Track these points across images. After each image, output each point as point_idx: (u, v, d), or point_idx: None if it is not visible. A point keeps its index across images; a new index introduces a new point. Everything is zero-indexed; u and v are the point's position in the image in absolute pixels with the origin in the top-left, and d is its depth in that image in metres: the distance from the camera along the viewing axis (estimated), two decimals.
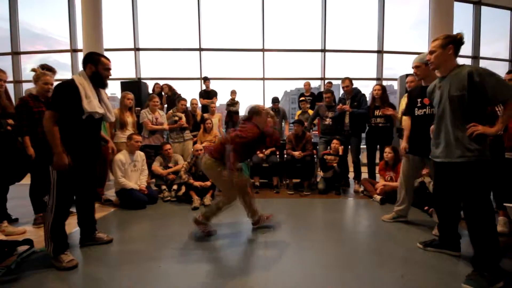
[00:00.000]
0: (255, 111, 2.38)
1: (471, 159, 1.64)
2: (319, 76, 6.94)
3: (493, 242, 1.60)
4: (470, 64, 1.68)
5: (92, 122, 1.97)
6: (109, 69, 2.01)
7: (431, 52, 1.80)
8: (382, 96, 3.76)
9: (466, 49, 7.09)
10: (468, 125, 1.67)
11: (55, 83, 2.11)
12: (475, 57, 7.16)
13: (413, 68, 2.35)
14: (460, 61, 1.80)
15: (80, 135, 1.92)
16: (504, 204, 2.54)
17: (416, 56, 2.37)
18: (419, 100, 2.37)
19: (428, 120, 2.23)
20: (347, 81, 3.98)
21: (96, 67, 1.94)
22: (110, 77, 2.02)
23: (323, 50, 6.84)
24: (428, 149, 1.98)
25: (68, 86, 1.84)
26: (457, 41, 1.74)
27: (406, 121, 2.52)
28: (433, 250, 2.03)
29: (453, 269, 1.79)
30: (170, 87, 5.49)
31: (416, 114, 2.37)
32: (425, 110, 2.33)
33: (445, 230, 1.99)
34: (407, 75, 4.21)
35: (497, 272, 1.58)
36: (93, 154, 2.07)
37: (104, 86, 2.04)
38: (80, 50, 6.35)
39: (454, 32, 2.08)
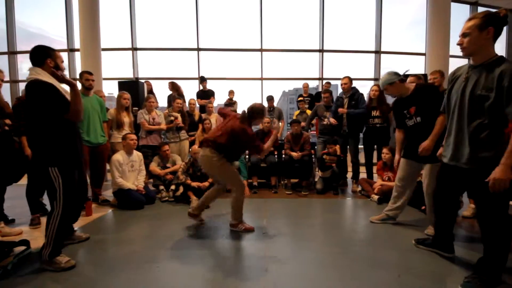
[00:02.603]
0: (257, 113, 2.47)
1: (481, 166, 1.47)
2: (317, 76, 6.96)
3: (504, 251, 1.50)
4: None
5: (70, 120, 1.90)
6: (63, 61, 1.95)
7: (464, 35, 1.48)
8: (379, 96, 3.78)
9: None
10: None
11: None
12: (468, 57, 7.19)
13: (384, 90, 2.36)
14: (457, 61, 1.63)
15: (70, 132, 1.86)
16: None
17: (384, 76, 2.34)
18: (405, 111, 2.30)
19: (420, 127, 2.17)
20: (347, 79, 4.00)
21: (54, 60, 1.83)
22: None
23: (321, 50, 6.86)
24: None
25: (45, 84, 1.72)
26: (500, 21, 1.41)
27: (398, 135, 2.49)
28: (424, 249, 2.03)
29: (448, 270, 1.80)
30: (173, 85, 5.30)
31: (408, 125, 2.31)
32: (413, 120, 2.25)
33: (441, 230, 1.96)
34: (406, 76, 4.24)
35: (497, 279, 1.53)
36: (81, 152, 2.04)
37: (62, 80, 1.95)
38: (77, 50, 6.32)
39: (451, 33, 1.97)
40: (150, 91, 5.31)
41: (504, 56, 1.48)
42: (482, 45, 1.45)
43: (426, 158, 2.15)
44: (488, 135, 1.45)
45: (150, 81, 5.59)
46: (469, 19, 1.47)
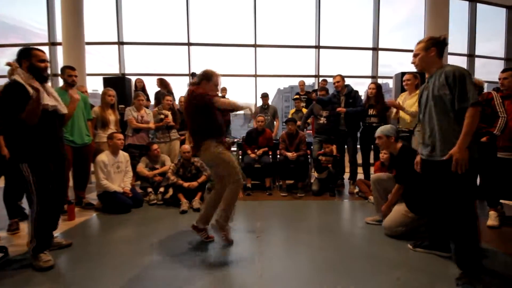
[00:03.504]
0: (206, 76, 2.28)
1: (441, 157, 1.71)
2: (313, 74, 7.00)
3: (473, 244, 1.66)
4: (452, 64, 1.79)
5: (47, 116, 1.96)
6: (44, 60, 2.01)
7: (415, 55, 1.90)
8: (377, 94, 3.82)
9: (461, 47, 7.30)
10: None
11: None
12: (471, 55, 7.36)
13: (377, 138, 2.58)
14: (455, 59, 1.87)
15: (41, 128, 1.92)
16: (501, 200, 2.74)
17: (388, 126, 2.62)
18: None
19: None
20: (339, 77, 4.04)
21: (29, 60, 1.95)
22: (47, 68, 2.03)
23: (317, 47, 6.90)
24: None
25: (13, 84, 1.85)
26: (440, 42, 1.83)
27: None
28: (423, 251, 2.10)
29: (447, 270, 1.83)
30: (161, 82, 5.25)
31: None
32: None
33: (434, 230, 2.06)
34: (403, 73, 4.29)
35: (478, 268, 1.66)
36: (58, 153, 2.04)
37: (45, 79, 2.04)
38: (59, 44, 6.20)
39: (450, 30, 2.22)
40: (142, 89, 5.24)
41: (503, 54, 1.64)
42: (429, 61, 1.85)
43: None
44: (455, 128, 1.70)
45: (140, 77, 5.51)
46: (418, 43, 1.89)
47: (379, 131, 2.58)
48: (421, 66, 1.89)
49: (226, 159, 2.23)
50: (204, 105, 2.18)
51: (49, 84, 2.12)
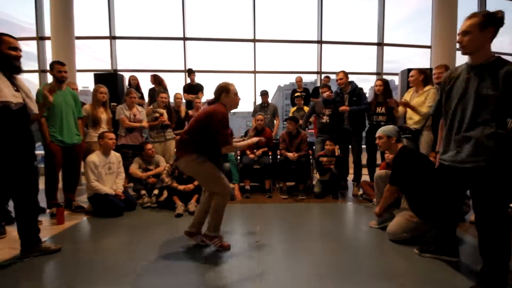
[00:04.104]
0: (223, 88, 2.27)
1: (483, 164, 1.57)
2: (315, 70, 7.00)
3: (505, 257, 1.59)
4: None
5: (10, 115, 1.87)
6: (17, 48, 1.90)
7: (464, 33, 1.59)
8: (384, 91, 3.82)
9: None
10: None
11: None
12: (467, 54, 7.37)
13: (378, 137, 2.58)
14: (460, 55, 1.70)
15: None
16: None
17: (390, 127, 2.62)
18: None
19: None
20: (342, 74, 4.04)
21: None
22: (20, 58, 1.92)
23: (320, 42, 6.91)
24: None
25: None
26: (498, 21, 1.53)
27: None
28: (430, 256, 2.09)
29: (454, 278, 1.84)
30: (154, 78, 5.27)
31: None
32: None
33: (443, 234, 2.03)
34: (409, 70, 4.30)
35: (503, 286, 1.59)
36: (22, 152, 1.98)
37: (16, 70, 1.93)
38: (48, 38, 6.18)
39: (458, 24, 2.10)
40: (136, 87, 5.24)
41: None
42: (482, 44, 1.56)
43: None
44: (491, 134, 1.56)
45: (134, 74, 5.51)
46: (469, 17, 1.57)
47: (380, 131, 2.60)
48: (470, 49, 1.59)
49: (205, 172, 2.22)
50: (214, 133, 2.16)
51: (21, 77, 2.01)
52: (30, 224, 2.12)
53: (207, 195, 2.42)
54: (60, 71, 3.09)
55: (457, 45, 1.67)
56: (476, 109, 1.60)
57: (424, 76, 3.29)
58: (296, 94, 5.30)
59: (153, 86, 5.17)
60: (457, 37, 1.65)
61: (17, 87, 1.94)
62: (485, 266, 1.66)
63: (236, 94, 2.30)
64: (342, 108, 3.94)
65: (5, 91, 1.83)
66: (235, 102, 2.31)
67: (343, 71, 4.06)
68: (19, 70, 1.97)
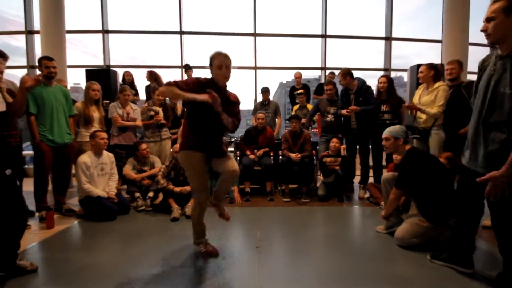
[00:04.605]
0: (209, 61, 2.12)
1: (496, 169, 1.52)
2: (320, 66, 6.99)
3: None
4: None
5: None
6: None
7: (488, 20, 1.53)
8: (389, 88, 3.81)
9: (482, 35, 7.28)
10: None
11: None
12: (494, 46, 7.35)
13: (385, 139, 2.57)
14: (478, 50, 1.70)
15: None
16: None
17: (396, 127, 2.60)
18: None
19: None
20: (340, 76, 3.95)
21: None
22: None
23: (324, 36, 6.90)
24: None
25: None
26: None
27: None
28: (441, 264, 2.07)
29: (466, 286, 1.82)
30: (150, 74, 5.24)
31: None
32: None
33: (460, 241, 1.97)
34: (418, 66, 4.28)
35: None
36: None
37: None
38: (37, 32, 6.19)
39: (471, 17, 2.05)
40: (131, 84, 5.23)
41: None
42: (510, 31, 1.47)
43: None
44: (505, 139, 1.49)
45: (129, 70, 5.51)
46: (494, 2, 1.50)
47: (386, 132, 2.59)
48: (495, 36, 1.52)
49: (185, 165, 2.13)
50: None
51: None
52: (11, 241, 1.97)
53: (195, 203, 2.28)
54: (48, 66, 3.08)
55: (483, 35, 1.60)
56: (490, 108, 1.55)
57: (435, 72, 3.26)
58: (299, 91, 5.29)
59: (149, 83, 5.16)
60: (482, 25, 1.57)
61: None
62: (504, 271, 1.64)
63: (219, 67, 2.05)
64: (351, 108, 3.85)
65: None
66: (218, 76, 2.08)
67: (340, 73, 3.96)
68: None
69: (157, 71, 5.21)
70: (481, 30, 1.59)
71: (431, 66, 3.27)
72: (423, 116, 3.25)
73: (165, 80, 4.97)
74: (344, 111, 3.90)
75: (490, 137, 1.56)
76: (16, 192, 2.01)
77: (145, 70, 5.24)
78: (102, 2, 6.58)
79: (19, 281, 1.91)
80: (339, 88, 4.36)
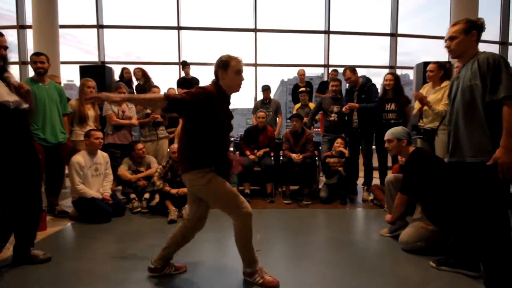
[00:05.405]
0: (222, 63, 1.86)
1: (481, 159, 1.71)
2: (322, 63, 7.00)
3: (506, 262, 1.66)
4: (491, 51, 1.81)
5: (9, 115, 1.92)
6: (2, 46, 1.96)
7: (451, 38, 1.87)
8: (395, 86, 3.81)
9: (492, 34, 7.30)
10: None
11: None
12: (503, 42, 7.38)
13: (387, 141, 2.62)
14: (486, 47, 1.87)
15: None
16: None
17: (399, 128, 2.62)
18: None
19: None
20: (348, 72, 3.94)
21: None
22: (5, 56, 1.99)
23: (327, 32, 6.90)
24: None
25: None
26: (479, 26, 1.85)
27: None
28: (448, 270, 2.08)
29: None
30: (144, 73, 5.36)
31: None
32: None
33: (462, 246, 2.03)
34: (425, 63, 4.29)
35: None
36: (24, 154, 2.04)
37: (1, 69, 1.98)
38: (29, 27, 6.19)
39: (480, 13, 2.28)
40: (129, 81, 5.25)
41: None
42: (468, 47, 1.85)
43: None
44: (483, 124, 1.73)
45: (121, 66, 5.53)
46: (454, 24, 1.88)
47: (389, 133, 2.60)
48: (457, 52, 1.88)
49: (215, 191, 1.83)
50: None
51: (12, 74, 2.08)
52: (31, 227, 2.19)
53: (184, 223, 2.02)
54: (36, 61, 3.07)
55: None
56: (465, 101, 1.80)
57: (444, 71, 3.28)
58: (301, 89, 5.30)
59: (137, 82, 5.24)
60: (445, 44, 1.95)
61: (9, 84, 2.00)
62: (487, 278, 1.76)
63: (238, 72, 1.86)
64: (350, 104, 3.87)
65: (1, 90, 1.89)
66: (235, 83, 1.89)
67: (349, 68, 3.96)
68: (4, 69, 2.03)
69: (154, 67, 5.27)
70: (445, 47, 1.94)
71: (440, 66, 3.28)
72: (429, 113, 3.25)
73: (161, 77, 5.06)
74: (344, 108, 3.92)
75: (468, 127, 1.78)
76: (39, 182, 2.22)
77: (143, 67, 5.29)
78: None
79: (12, 281, 1.92)
80: (343, 86, 4.37)
